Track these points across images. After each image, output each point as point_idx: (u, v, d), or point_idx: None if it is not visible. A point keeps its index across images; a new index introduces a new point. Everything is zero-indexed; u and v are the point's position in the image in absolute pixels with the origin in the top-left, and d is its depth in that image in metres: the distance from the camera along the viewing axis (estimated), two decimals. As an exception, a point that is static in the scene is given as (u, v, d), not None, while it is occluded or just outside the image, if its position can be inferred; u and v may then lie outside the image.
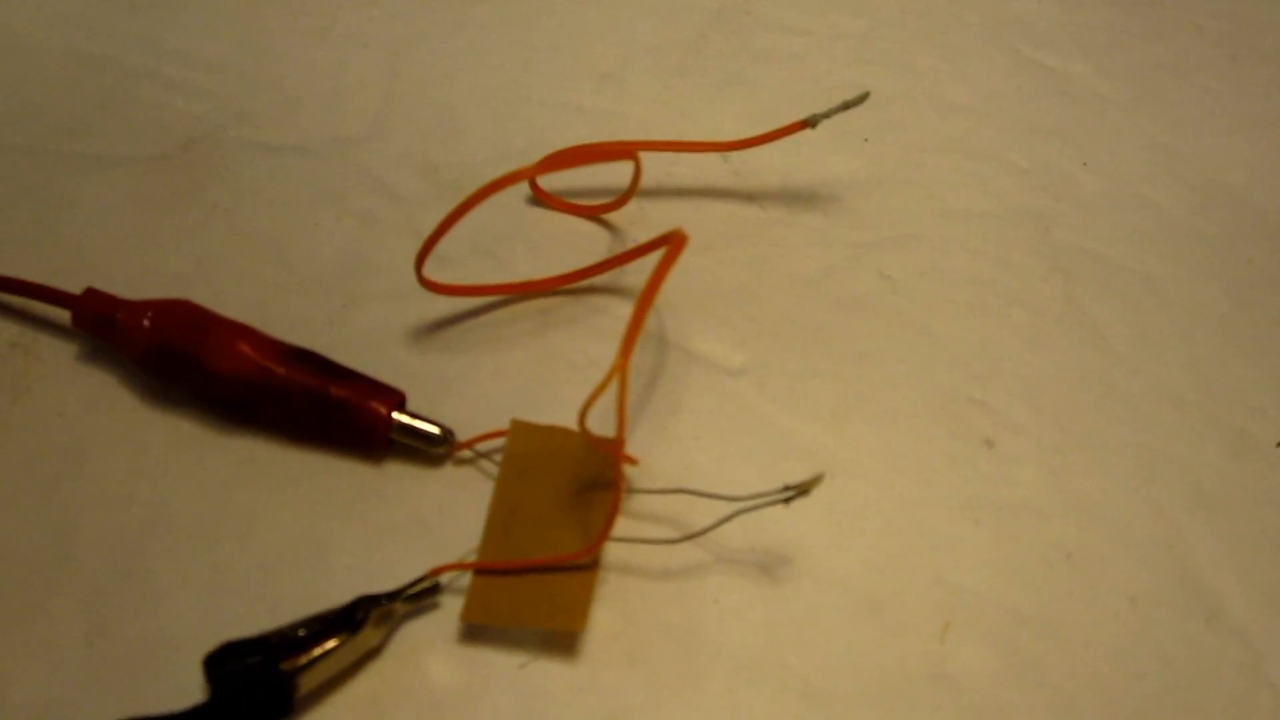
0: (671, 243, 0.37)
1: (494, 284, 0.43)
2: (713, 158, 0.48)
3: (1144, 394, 0.43)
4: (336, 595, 0.35)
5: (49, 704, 0.34)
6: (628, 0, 0.55)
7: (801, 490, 0.35)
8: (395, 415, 0.38)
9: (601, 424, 0.36)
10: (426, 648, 0.35)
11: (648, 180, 0.46)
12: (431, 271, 0.41)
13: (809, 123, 0.44)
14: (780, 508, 0.35)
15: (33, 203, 0.45)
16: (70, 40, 0.51)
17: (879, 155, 0.49)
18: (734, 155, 0.48)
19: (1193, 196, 0.50)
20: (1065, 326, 0.45)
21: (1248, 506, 0.40)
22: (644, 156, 0.45)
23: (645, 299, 0.34)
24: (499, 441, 0.39)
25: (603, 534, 0.35)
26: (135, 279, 0.42)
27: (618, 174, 0.46)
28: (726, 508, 0.36)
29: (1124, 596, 0.38)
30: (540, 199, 0.46)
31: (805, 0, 0.56)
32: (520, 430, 0.39)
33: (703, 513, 0.37)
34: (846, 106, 0.43)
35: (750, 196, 0.48)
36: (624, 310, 0.43)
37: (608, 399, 0.34)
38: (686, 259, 0.41)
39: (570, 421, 0.37)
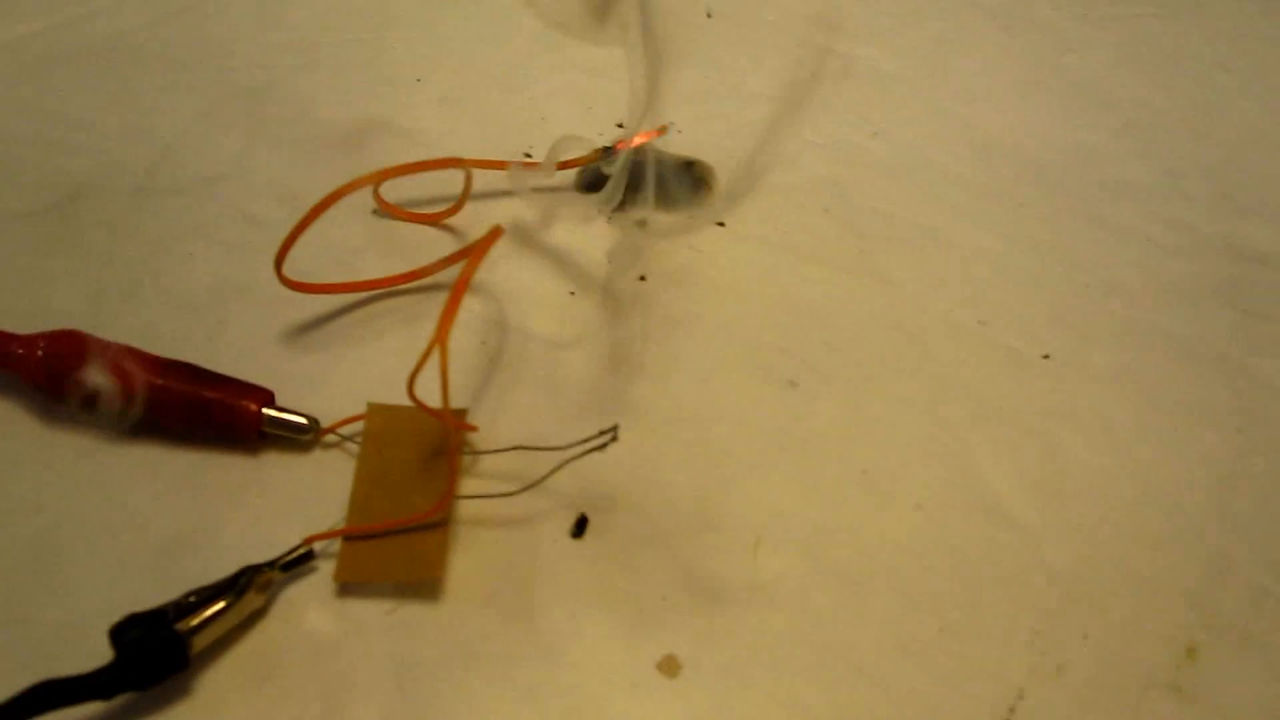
0: (489, 234, 0.42)
1: (347, 282, 0.48)
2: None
3: (929, 328, 0.49)
4: (226, 571, 0.39)
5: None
6: (460, 31, 0.61)
7: (612, 435, 0.40)
8: (265, 410, 0.43)
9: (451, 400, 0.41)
10: (305, 606, 0.40)
11: (484, 188, 0.52)
12: (291, 285, 0.46)
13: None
14: (602, 457, 0.41)
15: (-68, 258, 0.50)
16: (-46, 113, 0.56)
17: (691, 143, 0.55)
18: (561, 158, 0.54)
19: (973, 155, 0.56)
20: (859, 278, 0.51)
21: (1021, 414, 0.46)
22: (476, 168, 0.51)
23: (459, 285, 0.39)
24: (360, 424, 0.44)
25: (448, 492, 0.41)
26: (30, 317, 0.46)
27: (457, 184, 0.51)
28: (557, 458, 0.42)
29: (912, 503, 0.44)
30: (385, 210, 0.52)
31: (618, 13, 0.62)
32: (376, 412, 0.44)
33: (540, 466, 0.42)
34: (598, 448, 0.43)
35: (576, 192, 0.54)
36: (466, 302, 0.48)
37: (463, 378, 0.39)
38: (521, 251, 0.47)
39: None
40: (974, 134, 0.57)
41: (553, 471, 0.42)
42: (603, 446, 0.41)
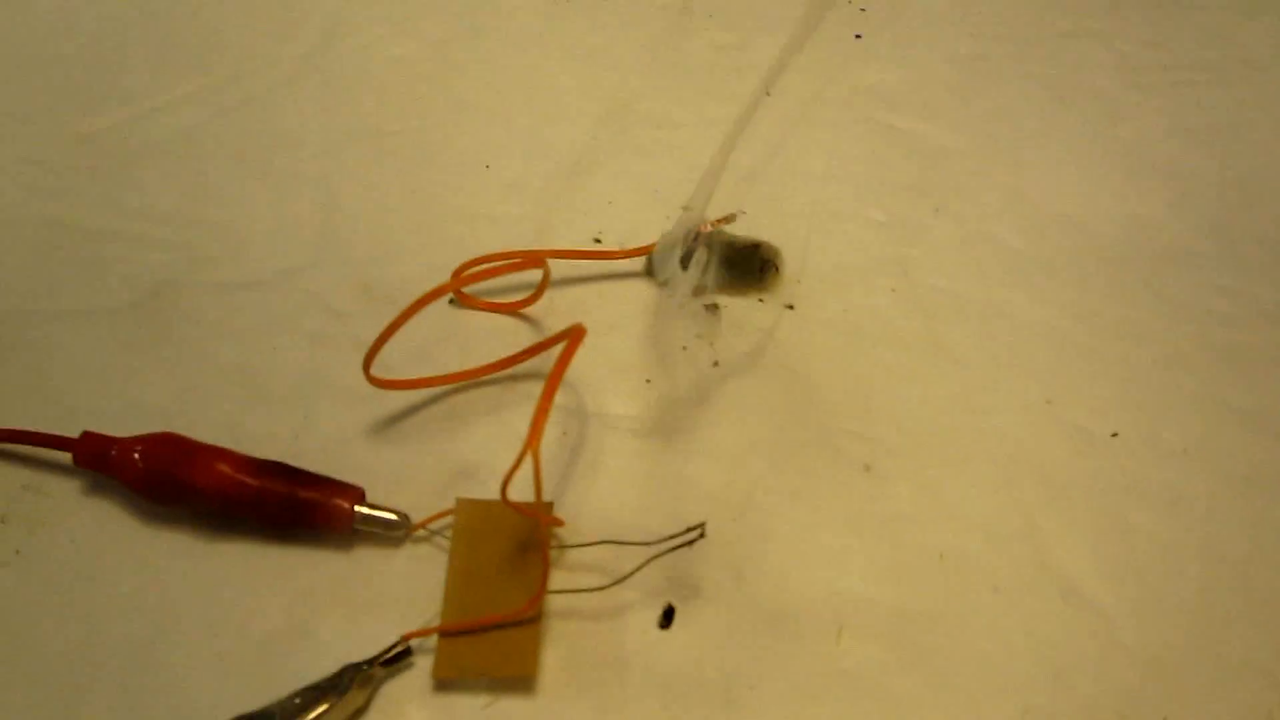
0: (571, 336, 0.44)
1: (431, 377, 0.50)
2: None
3: (998, 408, 0.50)
4: (324, 667, 0.41)
5: (91, 790, 0.40)
6: (526, 113, 0.63)
7: (699, 532, 0.42)
8: (357, 508, 0.45)
9: (533, 493, 0.42)
10: (405, 702, 0.42)
11: (559, 273, 0.53)
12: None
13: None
14: (690, 547, 0.42)
15: (22, 359, 0.51)
16: (39, 209, 0.57)
17: (753, 226, 0.55)
18: (629, 243, 0.55)
19: (1032, 228, 0.57)
20: (927, 358, 0.52)
21: (1092, 493, 0.47)
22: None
23: (548, 390, 0.41)
24: (449, 519, 0.45)
25: (540, 589, 0.42)
26: (122, 415, 0.48)
27: (529, 271, 0.53)
28: (645, 552, 0.43)
29: (990, 586, 0.45)
30: (463, 302, 0.53)
31: (679, 95, 0.64)
32: (465, 507, 0.45)
33: (626, 558, 0.43)
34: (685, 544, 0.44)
35: (646, 277, 0.55)
36: (545, 392, 0.50)
37: (546, 468, 0.41)
38: (596, 338, 0.48)
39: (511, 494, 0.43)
40: (1032, 208, 0.58)
41: (641, 566, 0.43)
42: (690, 544, 0.42)
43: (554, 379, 0.42)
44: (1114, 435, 0.49)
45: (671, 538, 0.42)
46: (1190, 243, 0.56)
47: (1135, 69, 0.65)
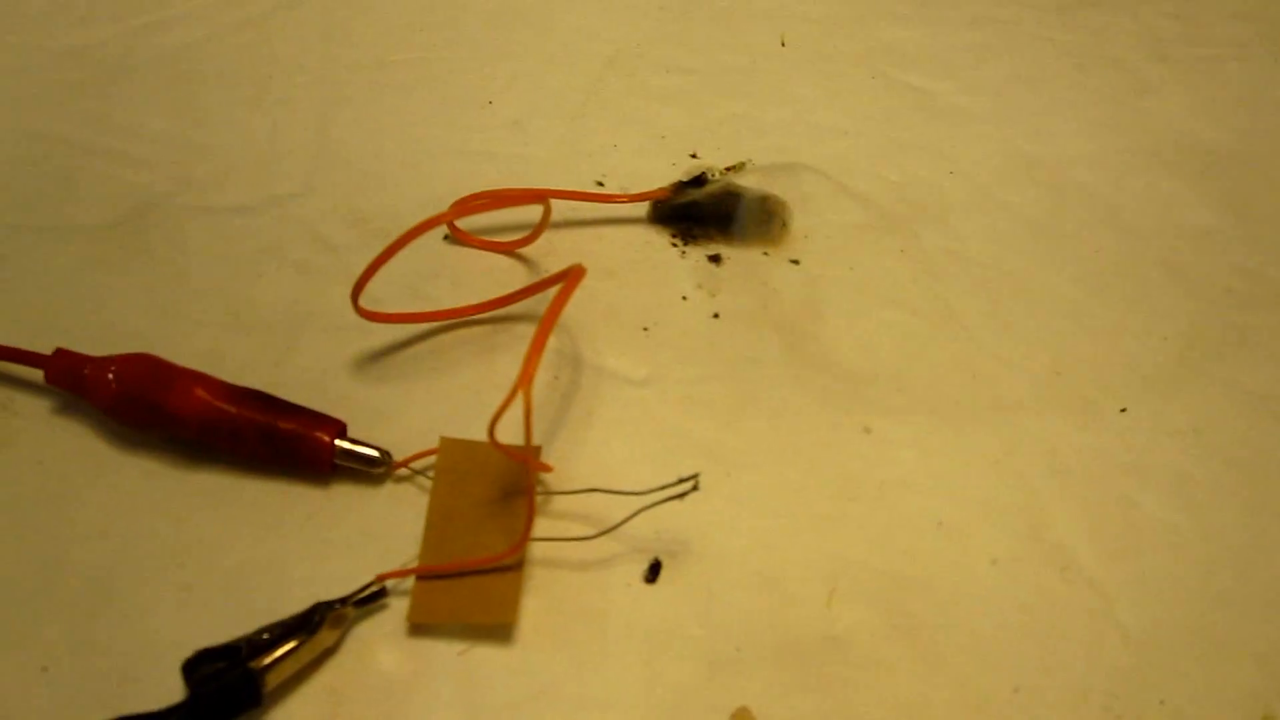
0: (569, 277, 0.42)
1: (421, 312, 0.48)
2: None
3: (1004, 376, 0.48)
4: (295, 604, 0.39)
5: (47, 714, 0.38)
6: (532, 52, 0.61)
7: (693, 484, 0.40)
8: (337, 442, 0.43)
9: (521, 437, 0.41)
10: (377, 643, 0.40)
11: (558, 215, 0.51)
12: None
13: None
14: (681, 500, 0.41)
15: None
16: (23, 121, 0.56)
17: (762, 179, 0.54)
18: (632, 188, 0.53)
19: (1047, 196, 0.55)
20: (934, 321, 0.50)
21: (1095, 469, 0.46)
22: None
23: (543, 329, 0.39)
24: (432, 459, 0.44)
25: (524, 536, 0.41)
26: (99, 336, 0.46)
27: (530, 210, 0.51)
28: (634, 503, 0.41)
29: (987, 558, 0.43)
30: (458, 238, 0.51)
31: (692, 41, 0.62)
32: (449, 447, 0.44)
33: (614, 509, 0.42)
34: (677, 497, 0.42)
35: (646, 225, 0.53)
36: (539, 334, 0.48)
37: (536, 413, 0.39)
38: (594, 283, 0.46)
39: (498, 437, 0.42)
40: (1049, 175, 0.56)
41: (630, 517, 0.41)
42: (682, 496, 0.40)
43: (549, 318, 0.40)
44: (1122, 410, 0.48)
45: (663, 488, 0.41)
46: (1208, 220, 0.55)
47: (1159, 41, 0.64)
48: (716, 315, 0.50)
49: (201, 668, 0.38)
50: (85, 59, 0.58)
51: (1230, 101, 0.61)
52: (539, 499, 0.43)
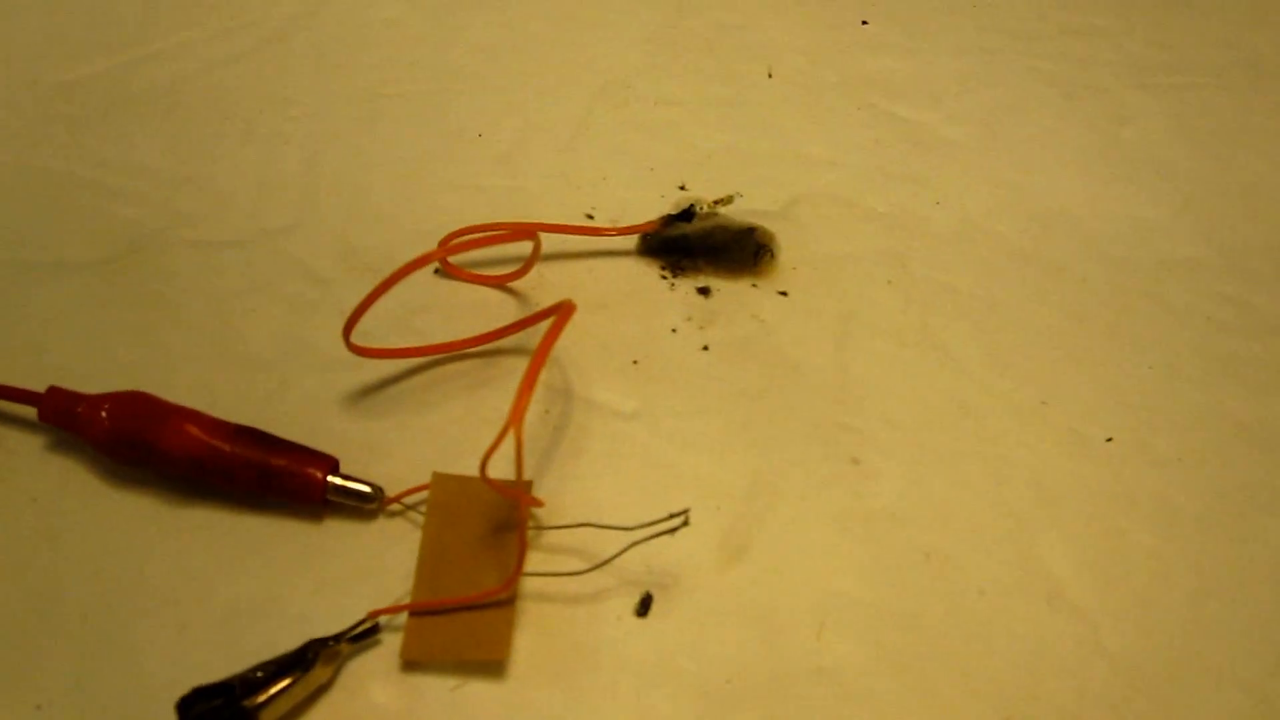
0: (560, 312, 0.42)
1: (412, 347, 0.48)
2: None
3: (991, 407, 0.49)
4: (289, 640, 0.39)
5: (41, 755, 0.38)
6: (521, 85, 0.61)
7: (683, 519, 0.40)
8: (330, 479, 0.43)
9: (512, 471, 0.41)
10: (370, 680, 0.40)
11: (547, 248, 0.52)
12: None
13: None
14: (672, 535, 0.41)
15: (-8, 309, 0.50)
16: (14, 156, 0.56)
17: (751, 211, 0.54)
18: (622, 221, 0.54)
19: (1033, 226, 0.56)
20: (921, 352, 0.50)
21: (1082, 498, 0.46)
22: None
23: (534, 366, 0.40)
24: (424, 494, 0.44)
25: (516, 572, 0.41)
26: (92, 372, 0.47)
27: (520, 244, 0.51)
28: (624, 538, 0.41)
29: (975, 588, 0.44)
30: (449, 272, 0.52)
31: (679, 73, 0.62)
32: (441, 482, 0.44)
33: (606, 543, 0.42)
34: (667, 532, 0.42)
35: (636, 257, 0.53)
36: (530, 368, 0.48)
37: (526, 447, 0.40)
38: (584, 316, 0.47)
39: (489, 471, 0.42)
40: (1034, 205, 0.57)
41: (621, 552, 0.42)
42: (672, 531, 0.41)
43: (540, 355, 0.40)
44: (1108, 440, 0.48)
45: (653, 523, 0.41)
46: (1192, 249, 0.55)
47: (1142, 69, 0.64)
48: (706, 348, 0.50)
49: (196, 706, 0.38)
50: (77, 93, 0.59)
51: (1210, 130, 0.61)
52: (530, 534, 0.43)
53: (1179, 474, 0.47)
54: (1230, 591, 0.44)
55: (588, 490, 0.45)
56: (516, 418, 0.39)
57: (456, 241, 0.50)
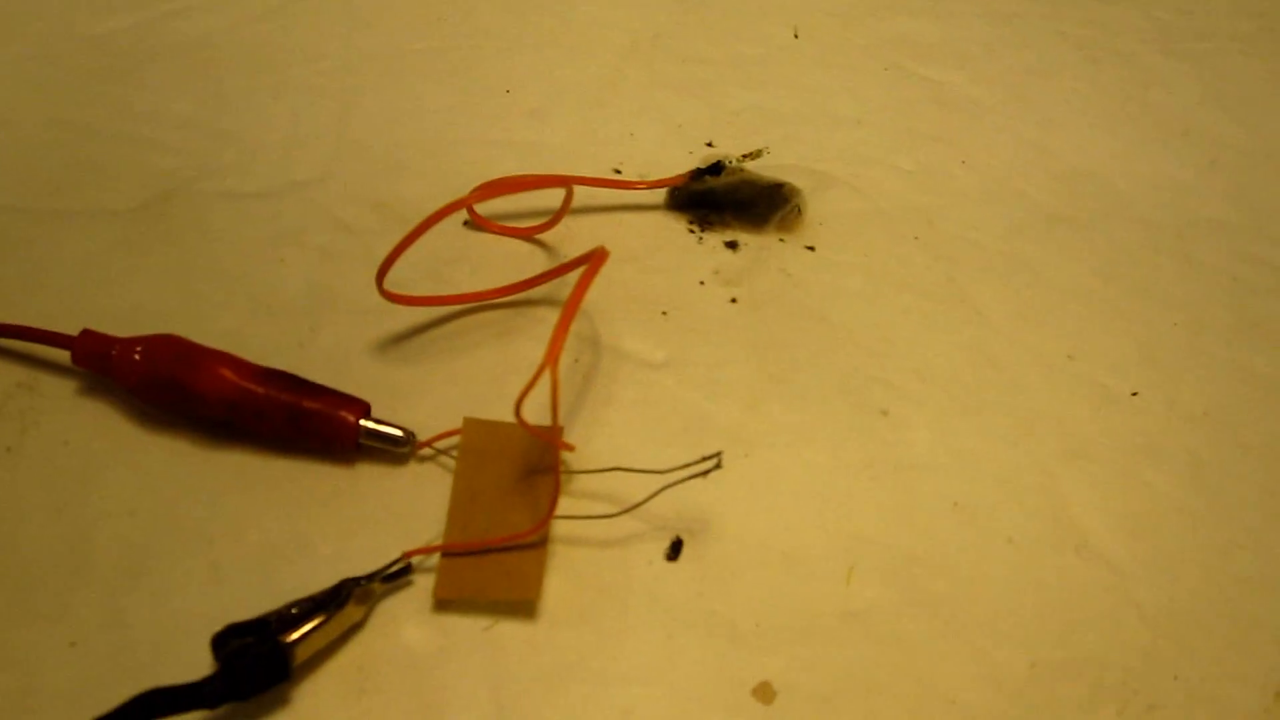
0: (593, 259, 0.43)
1: (443, 295, 0.48)
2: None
3: (1019, 361, 0.49)
4: (322, 580, 0.40)
5: (76, 688, 0.39)
6: (550, 42, 0.61)
7: (716, 462, 0.41)
8: (362, 422, 0.43)
9: (545, 417, 0.41)
10: (403, 619, 0.41)
11: (576, 202, 0.52)
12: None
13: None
14: (702, 480, 0.41)
15: (26, 256, 0.50)
16: (48, 108, 0.56)
17: (780, 165, 0.55)
18: (650, 176, 0.54)
19: (1060, 185, 0.56)
20: (949, 307, 0.51)
21: (1109, 450, 0.47)
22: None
23: (569, 309, 0.40)
24: (455, 439, 0.44)
25: (548, 514, 0.41)
26: (125, 318, 0.47)
27: (549, 197, 0.51)
28: (656, 481, 0.42)
29: (1004, 537, 0.44)
30: (478, 224, 0.52)
31: (708, 31, 0.62)
32: (472, 427, 0.44)
33: (636, 488, 0.42)
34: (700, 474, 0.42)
35: (664, 212, 0.54)
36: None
37: (547, 394, 0.40)
38: (612, 269, 0.47)
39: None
40: (1060, 164, 0.57)
41: (652, 495, 0.42)
42: (705, 473, 0.41)
43: (576, 297, 0.41)
44: (1134, 394, 0.48)
45: (686, 465, 0.41)
46: (1218, 210, 0.56)
47: (1169, 35, 0.64)
48: (734, 300, 0.50)
49: (231, 642, 0.38)
50: (109, 47, 0.59)
51: (1236, 94, 0.61)
52: (562, 478, 0.43)
53: (1205, 428, 0.48)
54: (1258, 543, 0.45)
55: (617, 437, 0.46)
56: (553, 358, 0.39)
57: (487, 187, 0.50)
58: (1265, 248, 0.54)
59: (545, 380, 0.40)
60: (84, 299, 0.49)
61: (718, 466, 0.41)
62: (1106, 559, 0.44)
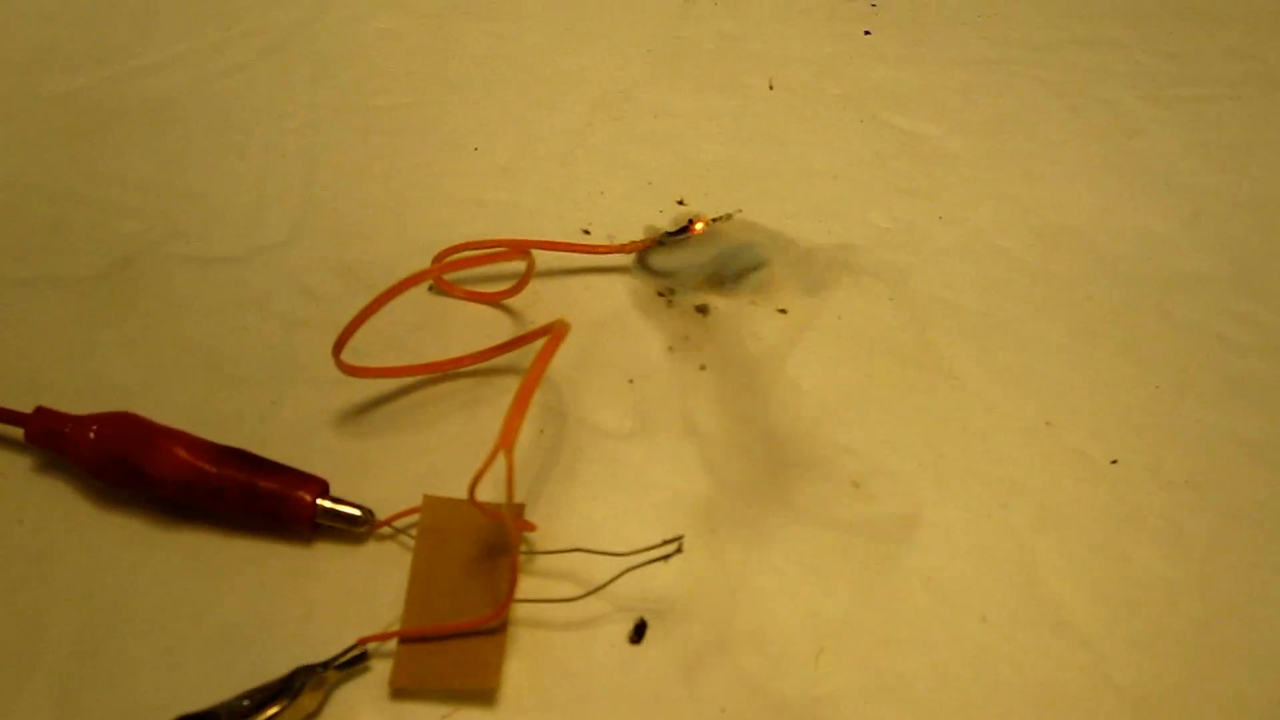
0: (553, 332, 0.42)
1: (404, 366, 0.47)
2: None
3: (995, 428, 0.48)
4: (277, 665, 0.39)
5: (25, 780, 0.38)
6: (518, 96, 0.60)
7: (677, 547, 0.40)
8: (319, 501, 0.42)
9: (505, 494, 0.40)
10: (359, 708, 0.40)
11: (544, 264, 0.51)
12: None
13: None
14: (666, 561, 0.40)
15: (-19, 325, 0.49)
16: (7, 169, 0.55)
17: (750, 226, 0.54)
18: (619, 236, 0.53)
19: (1039, 241, 0.55)
20: (923, 372, 0.50)
21: (1088, 521, 0.45)
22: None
23: (526, 388, 0.39)
24: (415, 517, 0.43)
25: (507, 599, 0.40)
26: (82, 391, 0.46)
27: (513, 261, 0.51)
28: (619, 563, 0.41)
29: (978, 614, 0.43)
30: (443, 289, 0.51)
31: (679, 84, 0.62)
32: (432, 505, 0.43)
33: (600, 568, 0.41)
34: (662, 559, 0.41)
35: (633, 274, 0.53)
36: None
37: (520, 468, 0.39)
38: (580, 334, 0.46)
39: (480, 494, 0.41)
40: (1040, 219, 0.56)
41: (614, 578, 0.41)
42: (666, 558, 0.40)
43: (533, 377, 0.40)
44: (1114, 462, 0.47)
45: (648, 549, 0.40)
46: (1202, 264, 0.54)
47: (1153, 81, 0.63)
48: (703, 367, 0.49)
49: (181, 734, 0.37)
50: (71, 105, 0.58)
51: (1222, 143, 0.60)
52: (523, 558, 0.42)
53: (1187, 496, 0.46)
54: (1241, 618, 0.43)
55: (582, 513, 0.44)
56: (507, 440, 0.38)
57: (449, 260, 0.49)
58: (1250, 303, 0.53)
59: (506, 460, 0.39)
60: (41, 371, 0.48)
61: (678, 551, 0.40)
62: (1083, 636, 0.42)
